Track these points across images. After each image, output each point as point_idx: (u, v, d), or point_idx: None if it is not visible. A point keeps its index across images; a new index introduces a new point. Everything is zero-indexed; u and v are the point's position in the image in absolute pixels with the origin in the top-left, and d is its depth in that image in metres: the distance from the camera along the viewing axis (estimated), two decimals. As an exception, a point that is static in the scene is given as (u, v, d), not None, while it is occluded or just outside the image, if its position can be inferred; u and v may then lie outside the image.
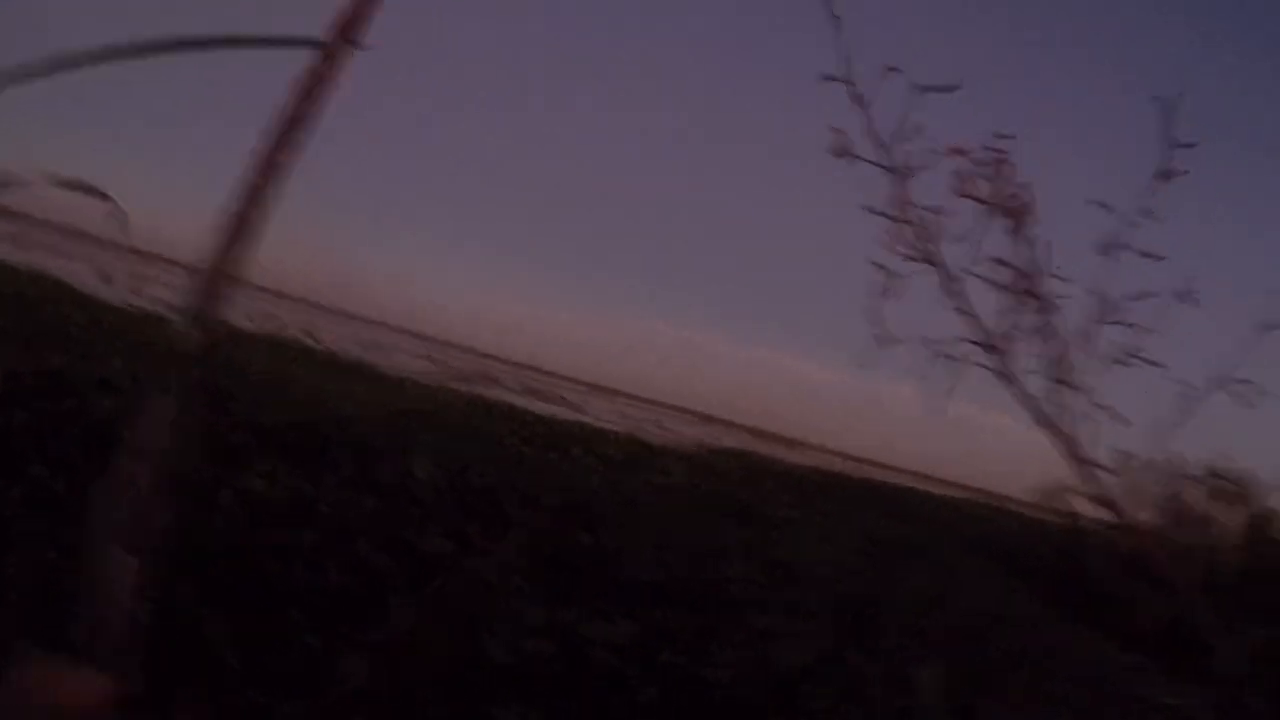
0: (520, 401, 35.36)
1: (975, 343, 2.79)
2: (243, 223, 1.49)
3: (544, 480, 10.58)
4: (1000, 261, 2.79)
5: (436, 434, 13.89)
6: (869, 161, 2.88)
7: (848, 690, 6.46)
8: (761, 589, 9.09)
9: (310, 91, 1.50)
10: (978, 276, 2.82)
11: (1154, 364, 2.79)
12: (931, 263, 2.81)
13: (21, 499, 6.39)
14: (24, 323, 14.55)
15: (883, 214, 2.87)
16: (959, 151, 2.80)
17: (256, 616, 5.93)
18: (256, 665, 5.34)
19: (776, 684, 6.24)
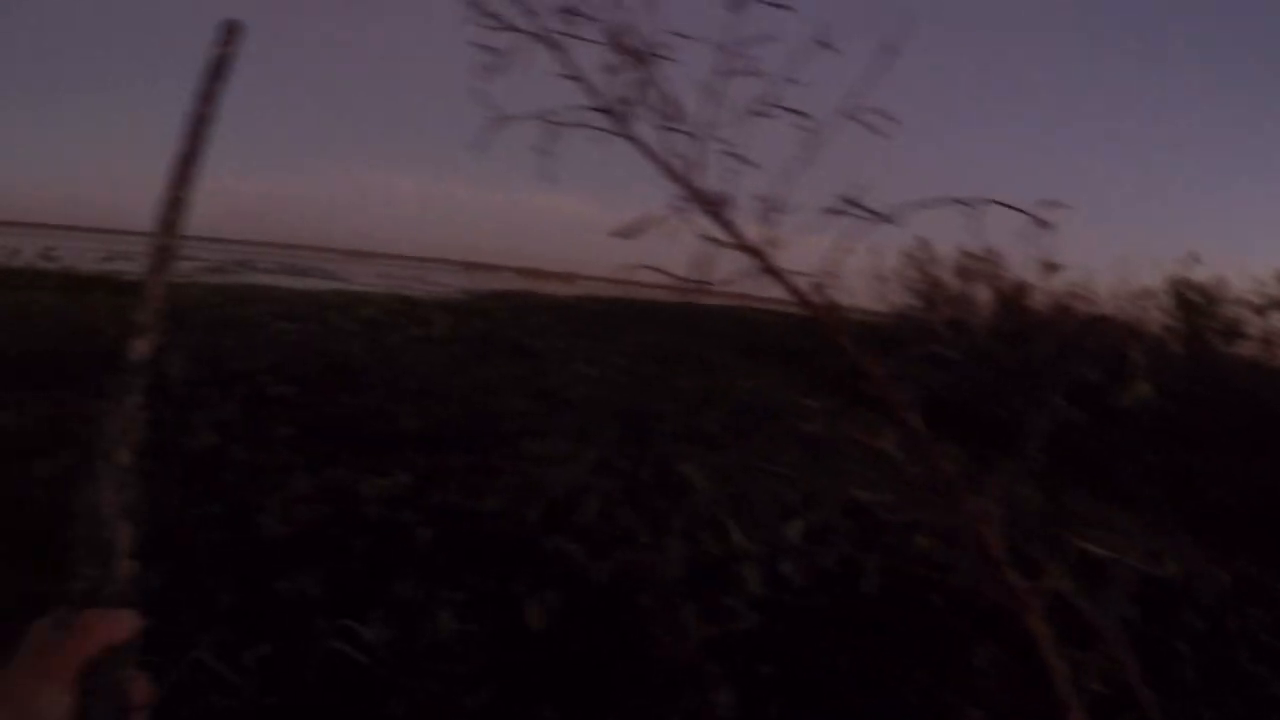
0: (275, 281, 34.66)
1: (594, 109, 2.84)
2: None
3: (302, 353, 10.55)
4: (570, 12, 2.85)
5: (191, 330, 13.67)
6: None
7: (619, 497, 6.73)
8: (533, 420, 9.30)
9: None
10: (576, 38, 2.87)
11: (796, 112, 2.89)
12: (534, 34, 2.86)
13: None
14: None
15: None
16: None
17: (31, 550, 5.91)
18: (40, 593, 5.35)
19: (549, 504, 6.47)
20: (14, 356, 8.93)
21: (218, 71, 1.46)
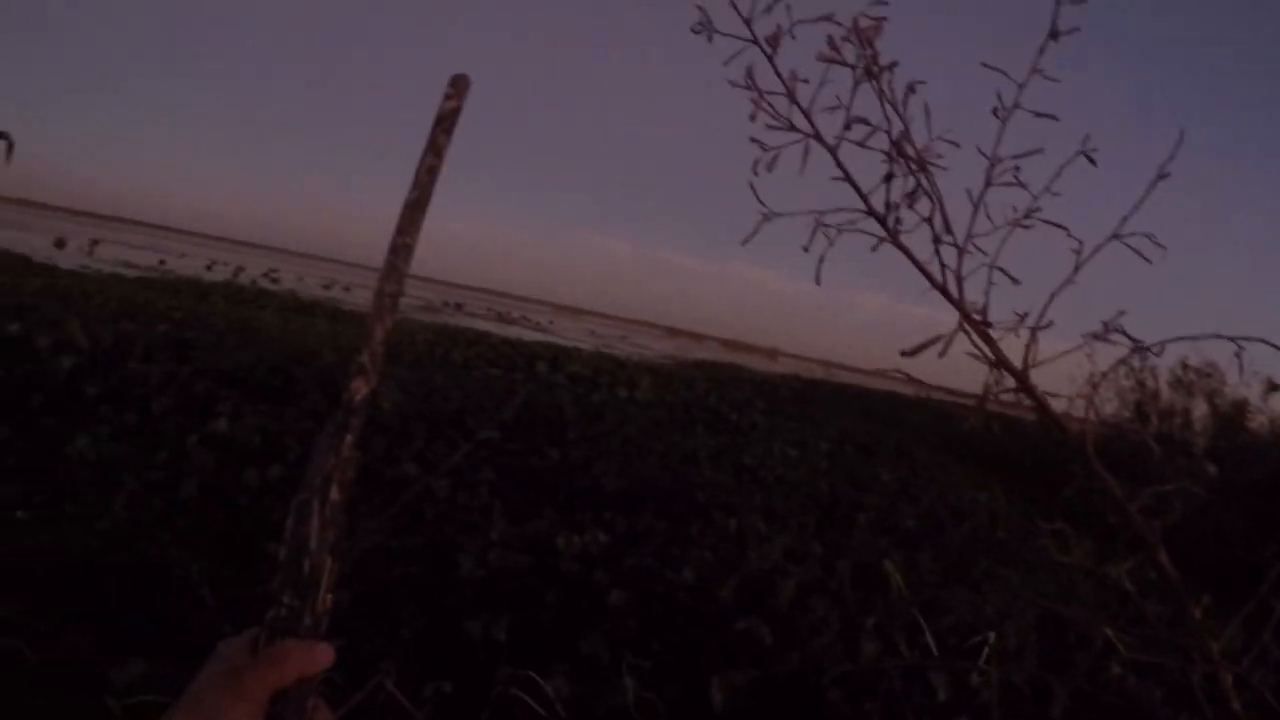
0: (487, 326, 35.41)
1: (861, 211, 2.85)
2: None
3: (510, 401, 10.70)
4: (864, 121, 2.85)
5: (403, 364, 14.01)
6: (734, 36, 2.93)
7: (813, 585, 6.63)
8: (729, 493, 9.26)
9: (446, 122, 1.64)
10: (854, 143, 2.88)
11: (1054, 225, 2.86)
12: (804, 133, 2.87)
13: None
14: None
15: (744, 86, 2.92)
16: (825, 19, 2.85)
17: (232, 554, 6.10)
18: (236, 599, 5.50)
19: (743, 582, 6.40)
20: (236, 370, 9.25)
21: (446, 124, 1.47)
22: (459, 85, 1.70)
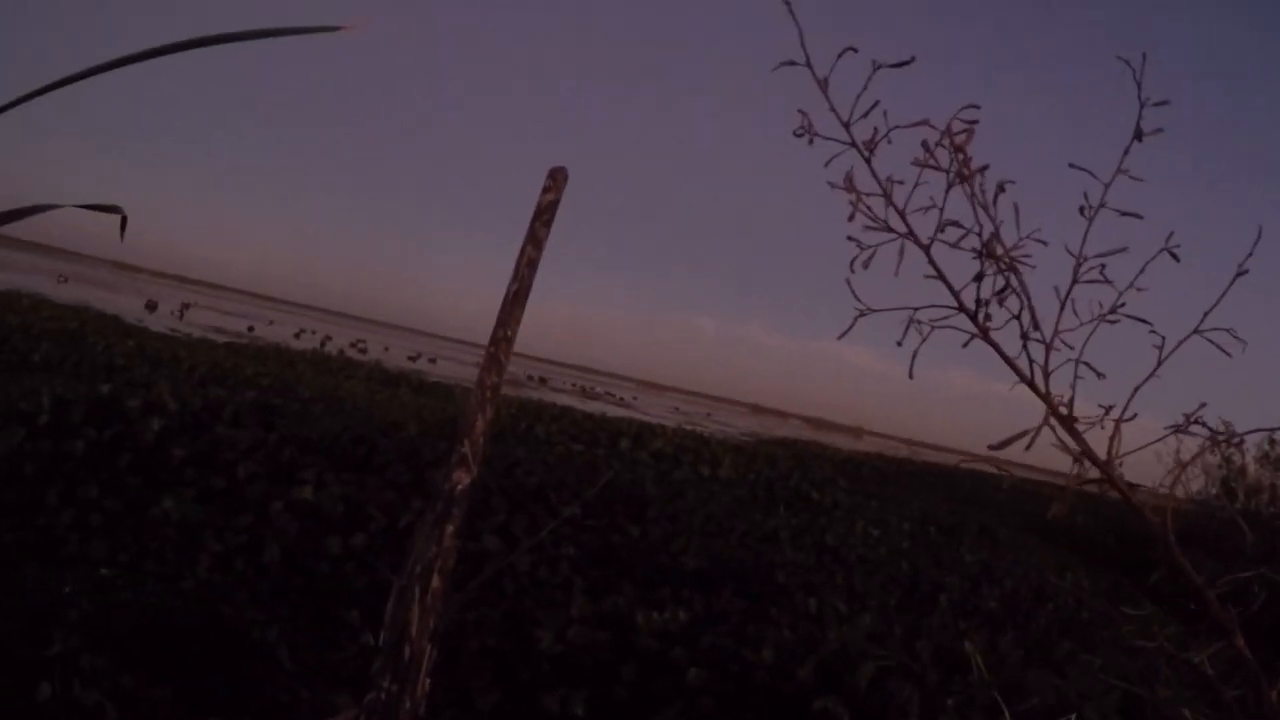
0: (570, 401, 35.56)
1: (953, 307, 2.87)
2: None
3: (593, 476, 10.69)
4: (956, 224, 2.87)
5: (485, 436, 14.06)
6: (833, 140, 2.96)
7: (893, 666, 6.53)
8: (810, 573, 9.18)
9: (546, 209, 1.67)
10: (946, 244, 2.90)
11: (1137, 320, 2.86)
12: (899, 233, 2.90)
13: (73, 520, 6.73)
14: (73, 355, 14.92)
15: (843, 188, 2.95)
16: (918, 124, 2.88)
17: (312, 620, 6.13)
18: (313, 664, 5.52)
19: (822, 662, 6.32)
20: (321, 438, 9.32)
21: (545, 216, 1.48)
22: (557, 178, 1.71)
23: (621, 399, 74.79)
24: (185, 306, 60.20)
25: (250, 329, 52.78)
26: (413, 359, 59.24)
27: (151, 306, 54.57)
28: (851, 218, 3.16)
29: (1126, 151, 3.10)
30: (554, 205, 1.77)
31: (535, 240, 1.73)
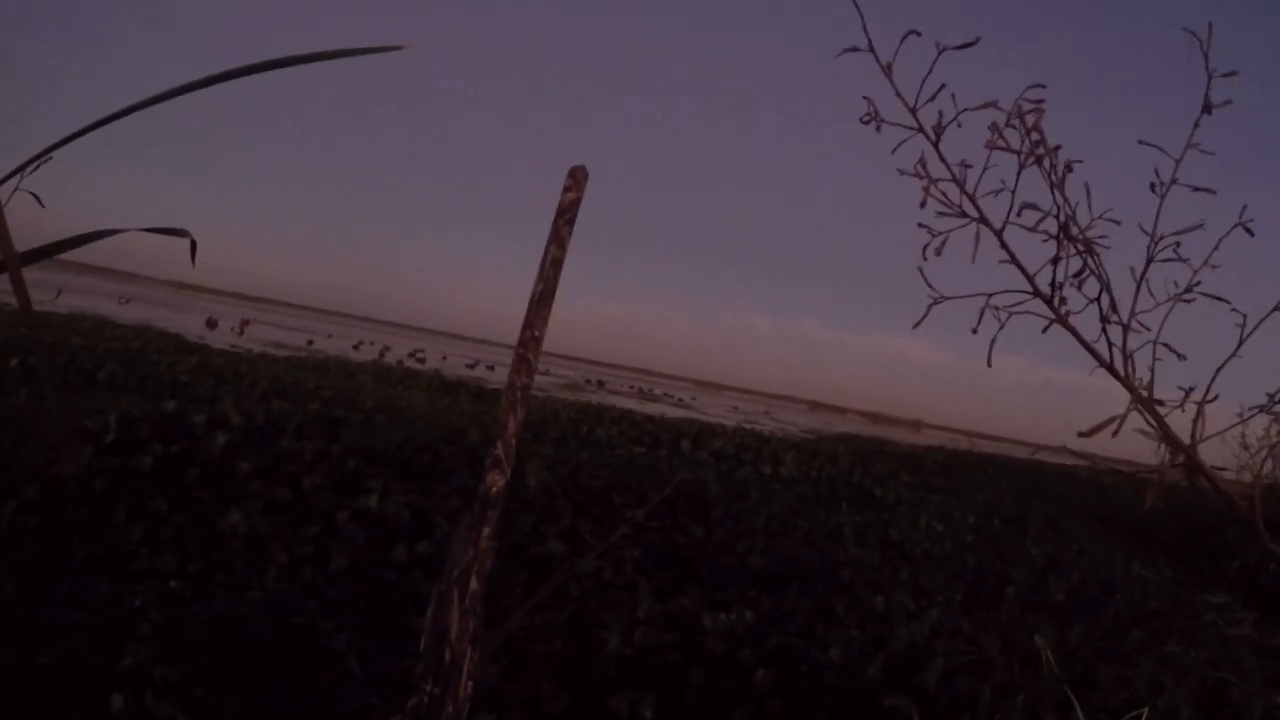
0: (629, 403, 35.59)
1: (1028, 292, 2.83)
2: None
3: (655, 477, 10.69)
4: (1033, 207, 2.84)
5: (548, 442, 14.11)
6: (900, 125, 2.93)
7: (964, 663, 6.49)
8: (876, 570, 9.13)
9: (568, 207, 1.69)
10: (1019, 225, 2.87)
11: (1215, 298, 2.81)
12: (971, 218, 2.87)
13: (143, 535, 6.81)
14: (137, 373, 15.09)
15: (914, 174, 2.92)
16: (987, 105, 2.85)
17: (380, 628, 6.17)
18: (382, 672, 5.55)
19: (891, 660, 6.29)
20: (385, 448, 9.38)
21: (568, 215, 1.47)
22: (578, 176, 1.71)
23: (680, 400, 74.77)
24: (245, 323, 60.75)
25: (310, 342, 53.25)
26: (470, 366, 59.50)
27: (212, 324, 55.15)
28: (923, 204, 3.14)
29: (1196, 125, 3.06)
30: (576, 204, 1.77)
31: (559, 240, 1.73)
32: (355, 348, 54.83)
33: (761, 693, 5.73)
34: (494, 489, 1.27)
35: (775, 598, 7.43)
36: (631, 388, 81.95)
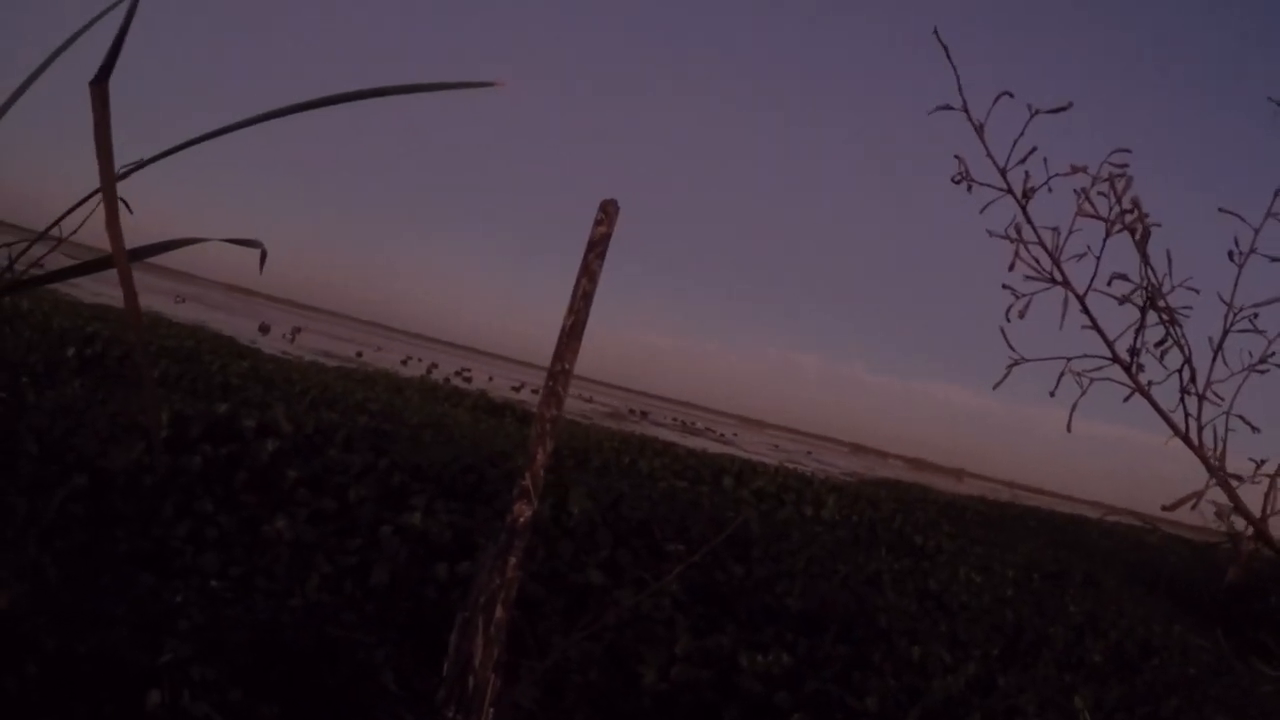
0: (671, 436, 35.57)
1: (1106, 358, 2.81)
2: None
3: (696, 514, 10.66)
4: (1123, 277, 2.82)
5: (590, 471, 14.12)
6: (989, 186, 2.92)
7: (999, 718, 6.44)
8: (913, 619, 9.07)
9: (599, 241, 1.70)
10: (1103, 293, 2.86)
11: None
12: (1056, 282, 2.86)
13: (188, 533, 6.85)
14: (190, 373, 15.21)
15: (1005, 237, 2.92)
16: (1076, 170, 2.84)
17: (417, 645, 6.18)
18: (417, 688, 5.56)
19: (927, 713, 6.25)
20: (431, 466, 9.40)
21: (598, 249, 1.49)
22: (608, 211, 1.72)
23: (722, 435, 74.62)
24: (296, 330, 61.19)
25: (359, 354, 53.51)
26: (516, 389, 59.61)
27: (264, 329, 55.57)
28: (1012, 266, 3.13)
29: (1277, 194, 3.04)
30: (606, 238, 1.79)
31: (590, 274, 1.74)
32: (403, 363, 55.11)
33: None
34: (521, 519, 1.27)
35: (812, 641, 7.40)
36: (674, 420, 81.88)
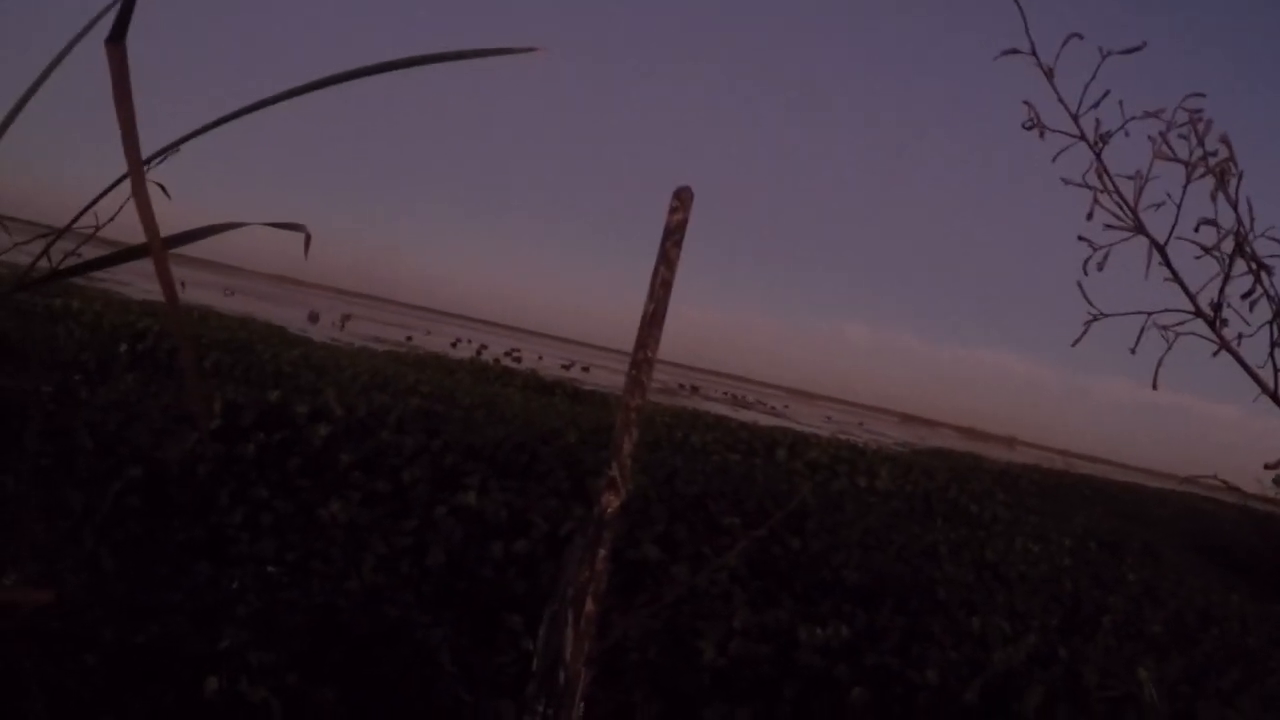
0: (723, 409, 35.50)
1: (1189, 312, 2.72)
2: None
3: (750, 487, 10.62)
4: (1210, 222, 2.73)
5: (644, 446, 14.09)
6: (1061, 133, 2.84)
7: (1061, 690, 6.36)
8: (971, 590, 9.00)
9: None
10: (1187, 240, 2.76)
11: None
12: (1136, 232, 2.77)
13: (243, 520, 6.89)
14: (241, 362, 15.30)
15: (1082, 184, 2.83)
16: (1152, 113, 2.75)
17: (475, 625, 6.18)
18: (475, 669, 5.55)
19: (987, 685, 6.19)
20: (484, 446, 9.41)
21: (675, 236, 1.43)
22: (683, 198, 1.68)
23: (773, 408, 74.48)
24: (346, 317, 61.51)
25: (408, 338, 53.68)
26: (566, 367, 59.66)
27: (314, 318, 55.89)
28: (1090, 215, 3.05)
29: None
30: (683, 225, 1.75)
31: (668, 261, 1.71)
32: (453, 345, 55.22)
33: (855, 711, 5.65)
34: (609, 509, 1.24)
35: (870, 613, 7.35)
36: (725, 394, 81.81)
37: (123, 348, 13.63)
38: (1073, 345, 3.14)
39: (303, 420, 8.87)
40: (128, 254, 1.87)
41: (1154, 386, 3.01)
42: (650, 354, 1.46)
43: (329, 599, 5.91)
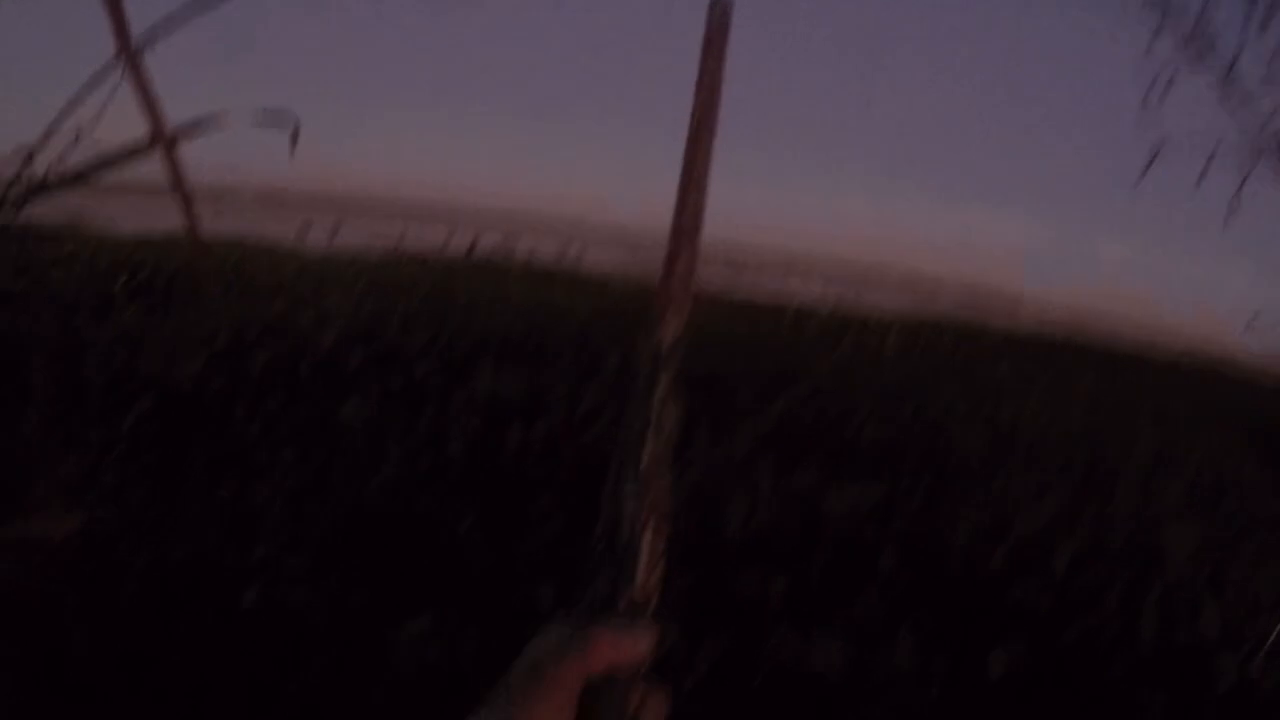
0: (721, 284, 35.41)
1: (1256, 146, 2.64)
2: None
3: (757, 357, 10.62)
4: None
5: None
6: None
7: (1090, 552, 6.38)
8: (988, 453, 9.00)
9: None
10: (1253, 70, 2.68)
11: None
12: (1201, 59, 2.69)
13: (260, 431, 6.89)
14: (239, 281, 15.27)
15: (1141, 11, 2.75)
16: None
17: (498, 509, 6.18)
18: (508, 556, 5.57)
19: (1015, 547, 6.20)
20: (491, 335, 9.41)
21: (714, 50, 1.31)
22: (723, 10, 1.56)
23: (771, 275, 74.20)
24: (337, 225, 61.22)
25: (401, 237, 53.31)
26: (562, 252, 59.38)
27: (305, 228, 55.54)
28: (1152, 45, 2.97)
29: None
30: (721, 34, 1.61)
31: (709, 83, 1.57)
32: (447, 240, 54.94)
33: (886, 576, 5.67)
34: (667, 340, 1.12)
35: (892, 477, 7.35)
36: (723, 260, 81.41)
37: (121, 281, 13.60)
38: (1141, 176, 3.07)
39: (308, 329, 8.85)
40: (131, 153, 1.82)
41: (1225, 224, 2.94)
42: (701, 176, 1.32)
43: (355, 499, 5.92)
